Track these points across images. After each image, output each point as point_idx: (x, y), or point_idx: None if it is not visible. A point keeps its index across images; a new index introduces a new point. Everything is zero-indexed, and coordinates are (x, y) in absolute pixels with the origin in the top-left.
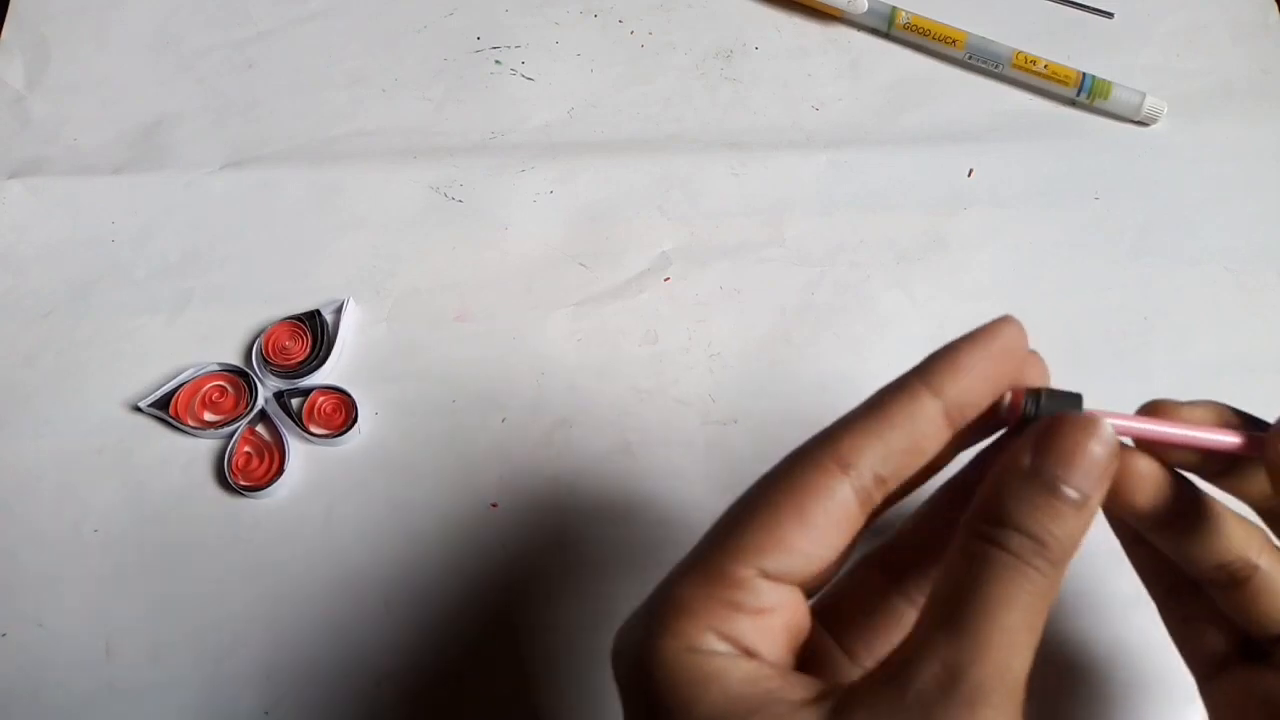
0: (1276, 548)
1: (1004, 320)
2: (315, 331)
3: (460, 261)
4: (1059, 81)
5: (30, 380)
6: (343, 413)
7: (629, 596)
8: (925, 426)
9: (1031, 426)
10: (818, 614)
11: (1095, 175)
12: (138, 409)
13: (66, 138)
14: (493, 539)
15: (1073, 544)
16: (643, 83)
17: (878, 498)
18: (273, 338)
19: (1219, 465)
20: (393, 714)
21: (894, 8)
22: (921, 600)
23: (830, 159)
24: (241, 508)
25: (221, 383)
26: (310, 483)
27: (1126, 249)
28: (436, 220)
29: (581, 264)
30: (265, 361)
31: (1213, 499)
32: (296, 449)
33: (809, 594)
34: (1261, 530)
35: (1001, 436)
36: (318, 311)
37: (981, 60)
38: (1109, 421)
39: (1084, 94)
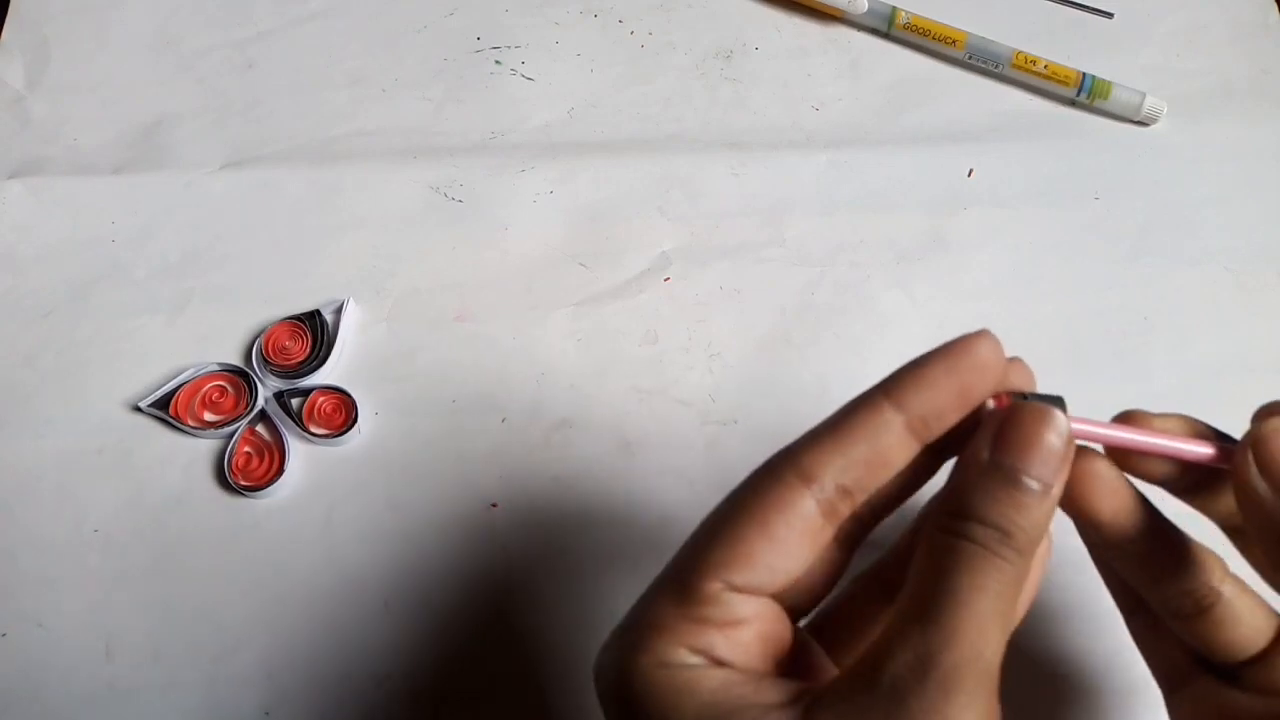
0: (1236, 576)
1: (977, 335)
2: (315, 331)
3: (460, 261)
4: (1059, 81)
5: (30, 380)
6: (343, 413)
7: (629, 596)
8: (887, 439)
9: (987, 421)
10: (814, 630)
11: (1095, 175)
12: (138, 409)
13: (66, 138)
14: (493, 539)
15: (1037, 532)
16: (643, 83)
17: (844, 509)
18: (273, 338)
19: (1188, 481)
20: (393, 714)
21: (894, 8)
22: None
23: (830, 159)
24: (241, 508)
25: (221, 383)
26: (310, 483)
27: (1126, 249)
28: (436, 220)
29: (581, 264)
30: (265, 361)
31: (1177, 527)
32: (296, 449)
33: (795, 608)
34: (1222, 560)
35: None
36: (318, 311)
37: (981, 60)
38: (1058, 412)
39: (1084, 94)
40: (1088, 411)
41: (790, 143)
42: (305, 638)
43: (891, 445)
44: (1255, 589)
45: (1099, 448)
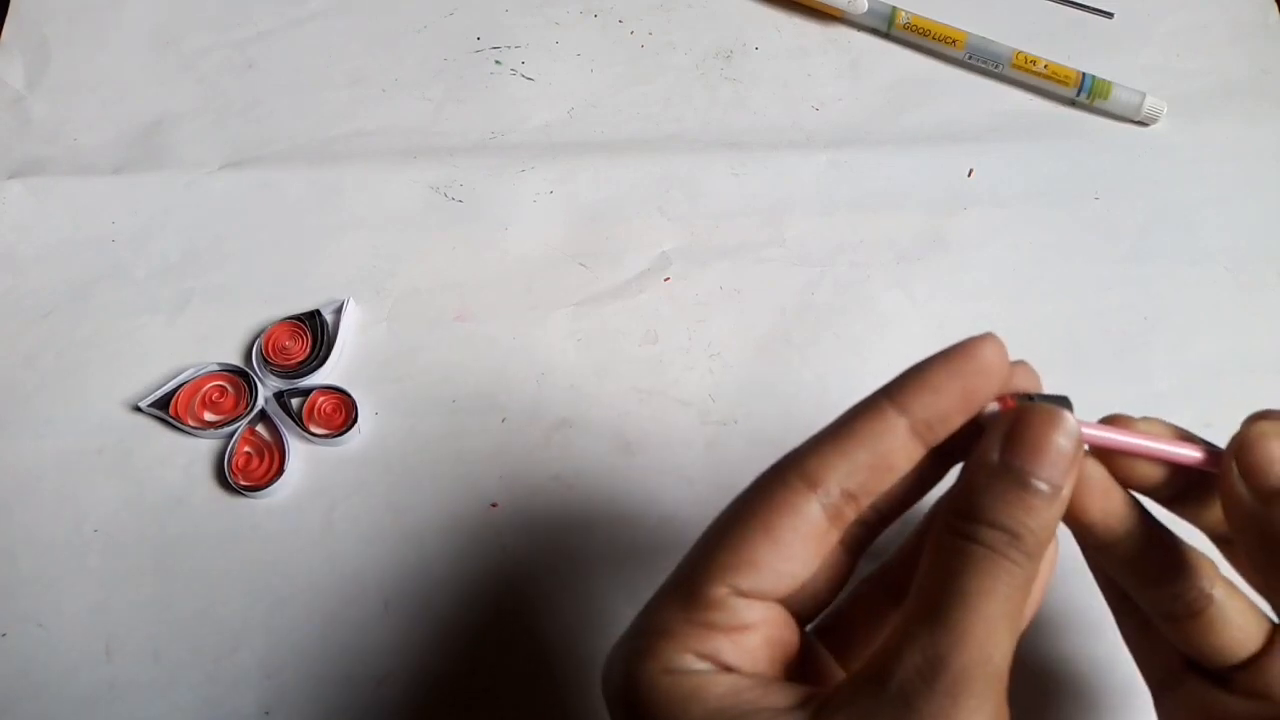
0: (1227, 580)
1: (982, 338)
2: (315, 331)
3: (460, 261)
4: (1059, 81)
5: (30, 380)
6: (343, 413)
7: (629, 596)
8: (891, 443)
9: (998, 423)
10: (820, 634)
11: (1095, 175)
12: (138, 409)
13: (66, 138)
14: (493, 539)
15: (1046, 534)
16: (643, 83)
17: (849, 514)
18: (273, 338)
19: (1174, 489)
20: (393, 714)
21: (894, 8)
22: None
23: (830, 159)
24: (241, 508)
25: (221, 383)
26: (310, 483)
27: (1126, 249)
28: (436, 220)
29: (581, 264)
30: (265, 361)
31: (1169, 530)
32: (296, 449)
33: (802, 613)
34: (1213, 563)
35: None
36: (318, 311)
37: (981, 60)
38: (1068, 414)
39: (1084, 94)
40: (1088, 412)
41: (790, 143)
42: (305, 638)
43: (895, 449)
44: (1246, 594)
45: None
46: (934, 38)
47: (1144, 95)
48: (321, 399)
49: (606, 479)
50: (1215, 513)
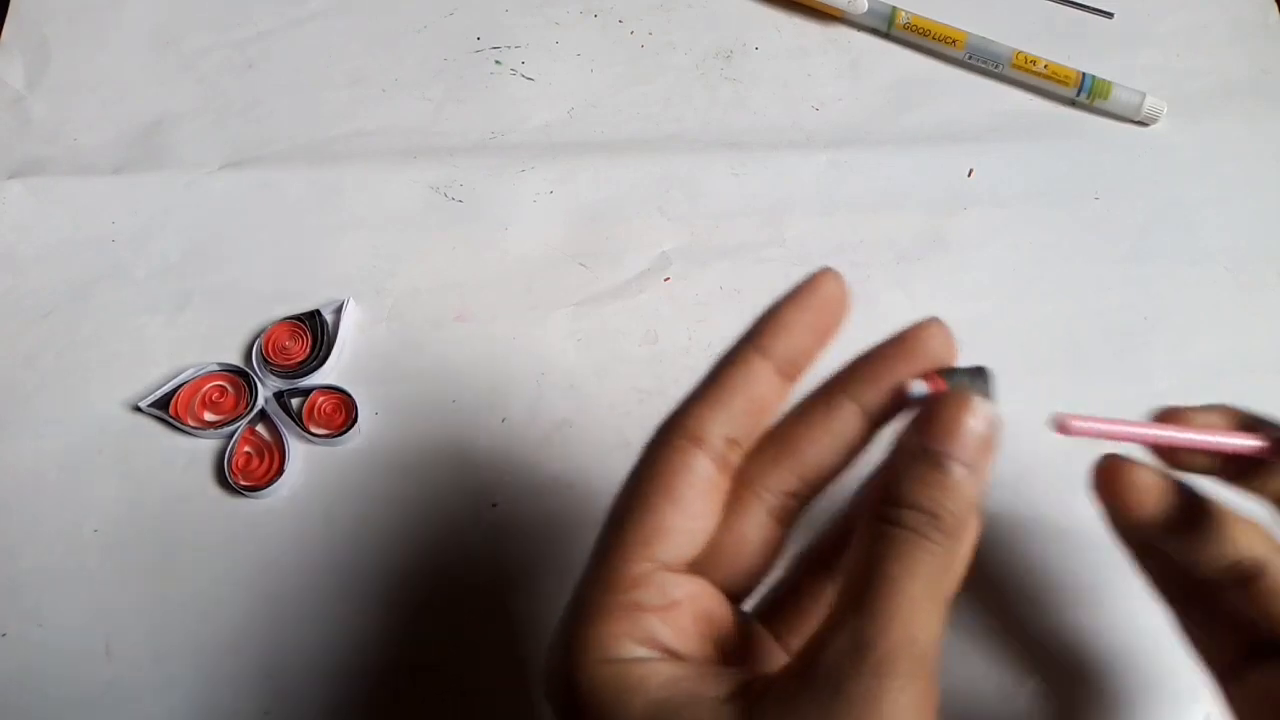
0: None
1: (821, 274)
2: (315, 331)
3: (460, 261)
4: (1059, 81)
5: (30, 380)
6: (343, 413)
7: None
8: (760, 387)
9: (917, 409)
10: (764, 617)
11: (1095, 175)
12: (138, 409)
13: (66, 138)
14: (493, 539)
15: (965, 514)
16: (643, 83)
17: (734, 459)
18: (273, 338)
19: (1236, 468)
20: (393, 713)
21: (894, 8)
22: None
23: (830, 159)
24: (241, 508)
25: (221, 383)
26: (310, 483)
27: (1127, 249)
28: (436, 220)
29: (581, 264)
30: (265, 361)
31: (1216, 502)
32: (296, 449)
33: (734, 590)
34: (1266, 530)
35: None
36: (318, 311)
37: (981, 60)
38: (980, 399)
39: (1084, 94)
40: (1088, 410)
41: (790, 143)
42: (305, 637)
43: (765, 390)
44: None
45: (1138, 448)
46: (934, 38)
47: (1144, 95)
48: (321, 399)
49: (606, 479)
50: (1277, 483)
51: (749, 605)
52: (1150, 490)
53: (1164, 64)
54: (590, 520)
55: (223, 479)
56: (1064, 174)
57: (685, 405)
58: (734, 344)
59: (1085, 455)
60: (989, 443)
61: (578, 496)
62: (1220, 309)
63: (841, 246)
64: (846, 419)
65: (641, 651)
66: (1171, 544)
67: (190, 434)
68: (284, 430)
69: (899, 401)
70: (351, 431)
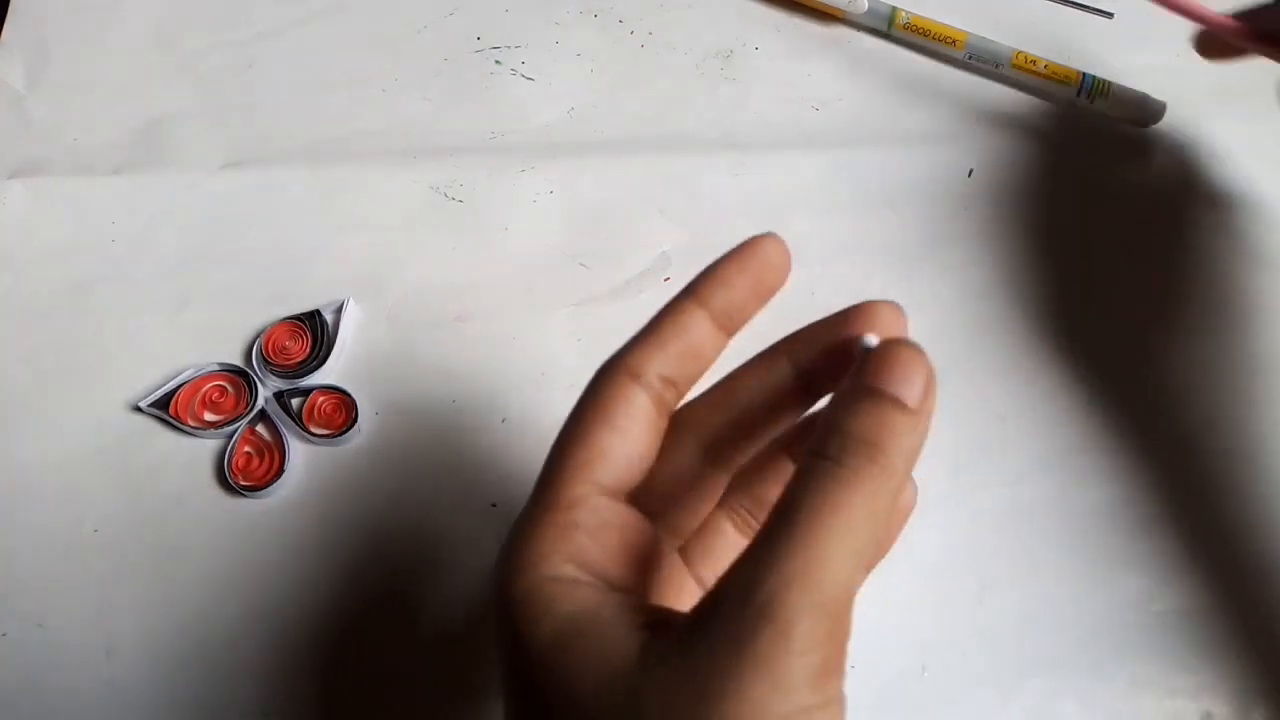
0: None
1: (764, 236)
2: (315, 331)
3: (460, 261)
4: (1059, 81)
5: (30, 380)
6: (343, 413)
7: None
8: (697, 334)
9: (863, 355)
10: (687, 559)
11: (1095, 175)
12: (138, 409)
13: (66, 138)
14: (493, 539)
15: (902, 451)
16: (643, 83)
17: (671, 399)
18: (273, 338)
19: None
20: (395, 714)
21: (894, 8)
22: None
23: (830, 159)
24: (241, 508)
25: (221, 383)
26: (310, 483)
27: (1127, 249)
28: (436, 220)
29: (581, 264)
30: (265, 361)
31: None
32: (296, 449)
33: (671, 527)
34: None
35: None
36: (318, 311)
37: (981, 60)
38: (924, 352)
39: (1084, 94)
40: (1090, 411)
41: (790, 143)
42: (305, 638)
43: (701, 338)
44: None
45: None
46: (934, 38)
47: (1144, 95)
48: (321, 399)
49: None
50: None
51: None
52: None
53: (1164, 64)
54: None
55: (223, 479)
56: (1064, 174)
57: (626, 346)
58: (676, 295)
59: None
60: (930, 389)
61: None
62: (1220, 309)
63: (841, 246)
64: (779, 370)
65: (568, 569)
66: None
67: (190, 434)
68: (284, 430)
69: (843, 358)
70: (351, 431)
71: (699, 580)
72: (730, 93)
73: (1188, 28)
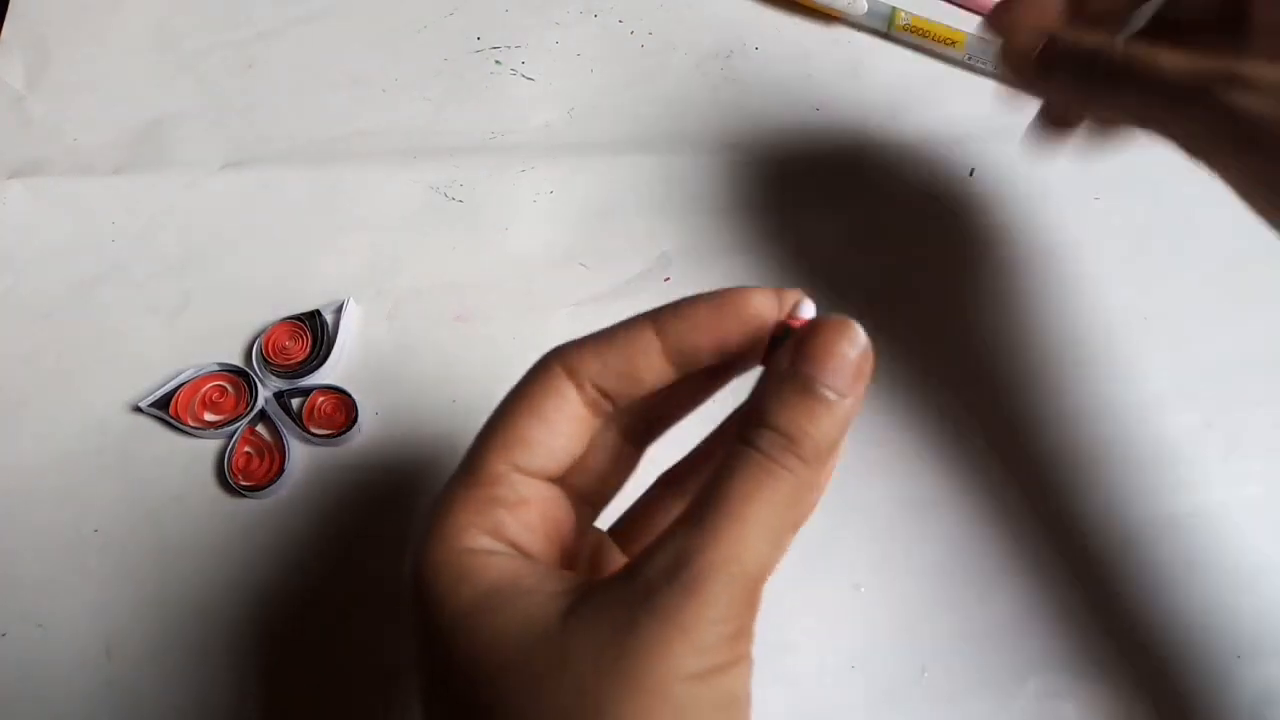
0: None
1: (754, 290)
2: (315, 331)
3: (460, 261)
4: None
5: (30, 380)
6: (343, 413)
7: None
8: (643, 360)
9: (796, 332)
10: (615, 532)
11: (1095, 175)
12: (138, 409)
13: (66, 138)
14: None
15: (826, 442)
16: (643, 83)
17: (605, 406)
18: (273, 338)
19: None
20: (395, 714)
21: (894, 9)
22: None
23: (829, 159)
24: (241, 508)
25: (221, 383)
26: (310, 483)
27: (1127, 249)
28: (436, 220)
29: (581, 264)
30: (265, 361)
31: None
32: (296, 449)
33: (588, 500)
34: None
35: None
36: (318, 311)
37: (981, 62)
38: (857, 325)
39: None
40: (1091, 414)
41: (790, 143)
42: (306, 638)
43: (646, 365)
44: None
45: None
46: (934, 38)
47: None
48: (321, 399)
49: None
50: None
51: (605, 522)
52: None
53: None
54: None
55: (223, 479)
56: (1064, 174)
57: (576, 341)
58: (642, 313)
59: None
60: (862, 373)
61: None
62: (1220, 309)
63: (841, 246)
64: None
65: (486, 541)
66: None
67: (190, 434)
68: (284, 430)
69: (774, 329)
70: (351, 431)
71: (630, 556)
72: (730, 93)
73: None
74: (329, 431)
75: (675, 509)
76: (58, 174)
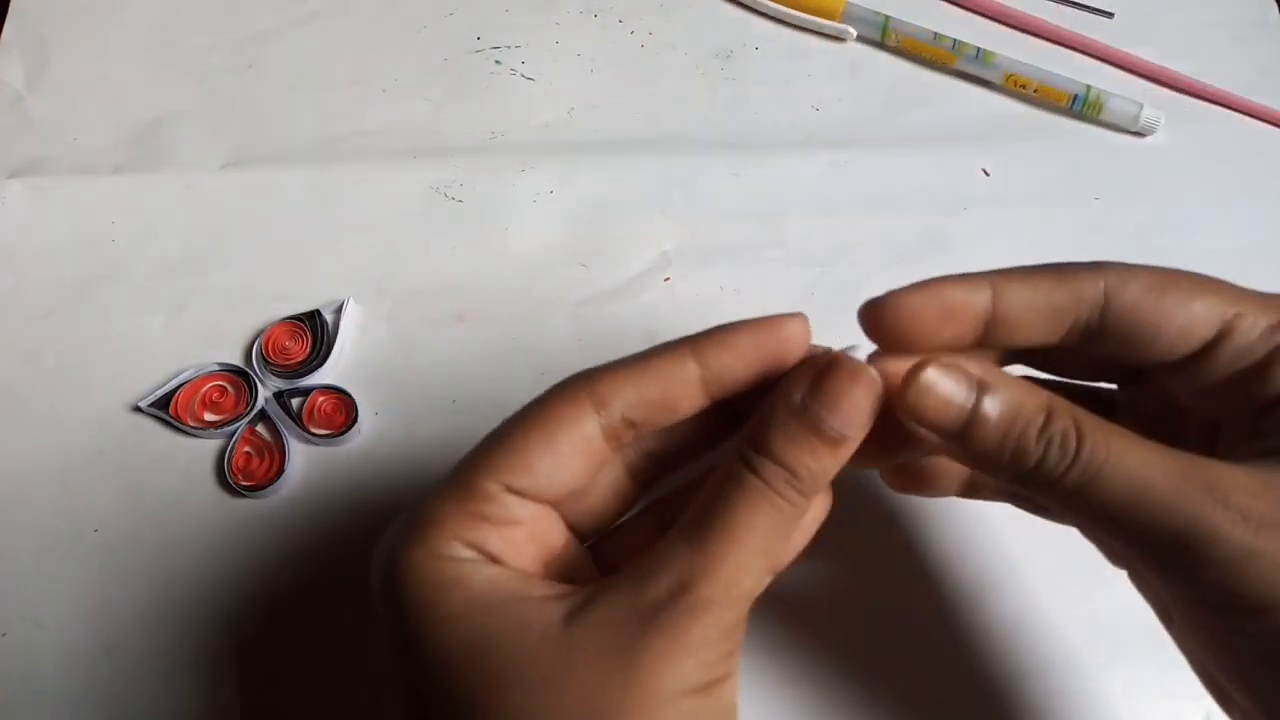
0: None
1: (791, 316)
2: (315, 331)
3: (460, 261)
4: (1052, 99)
5: (30, 380)
6: (343, 413)
7: None
8: (680, 387)
9: (809, 362)
10: (595, 550)
11: (1095, 175)
12: (138, 409)
13: (66, 138)
14: None
15: (823, 479)
16: (643, 83)
17: (627, 439)
18: (273, 338)
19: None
20: (397, 714)
21: (885, 28)
22: None
23: (830, 159)
24: (241, 508)
25: (221, 383)
26: (310, 483)
27: (1127, 250)
28: (436, 220)
29: (581, 264)
30: (265, 361)
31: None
32: (296, 449)
33: (580, 528)
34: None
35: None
36: (318, 311)
37: (974, 79)
38: (875, 372)
39: (1078, 106)
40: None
41: (790, 143)
42: (306, 638)
43: (683, 393)
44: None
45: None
46: (927, 56)
47: (1140, 106)
48: (321, 399)
49: None
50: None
51: None
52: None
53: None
54: None
55: (223, 479)
56: (1064, 174)
57: (604, 368)
58: (677, 340)
59: None
60: (870, 418)
61: None
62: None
63: (841, 246)
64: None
65: (469, 553)
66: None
67: (190, 434)
68: (284, 430)
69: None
70: (351, 431)
71: (607, 559)
72: (730, 93)
73: (1188, 28)
74: (329, 431)
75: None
76: (58, 174)
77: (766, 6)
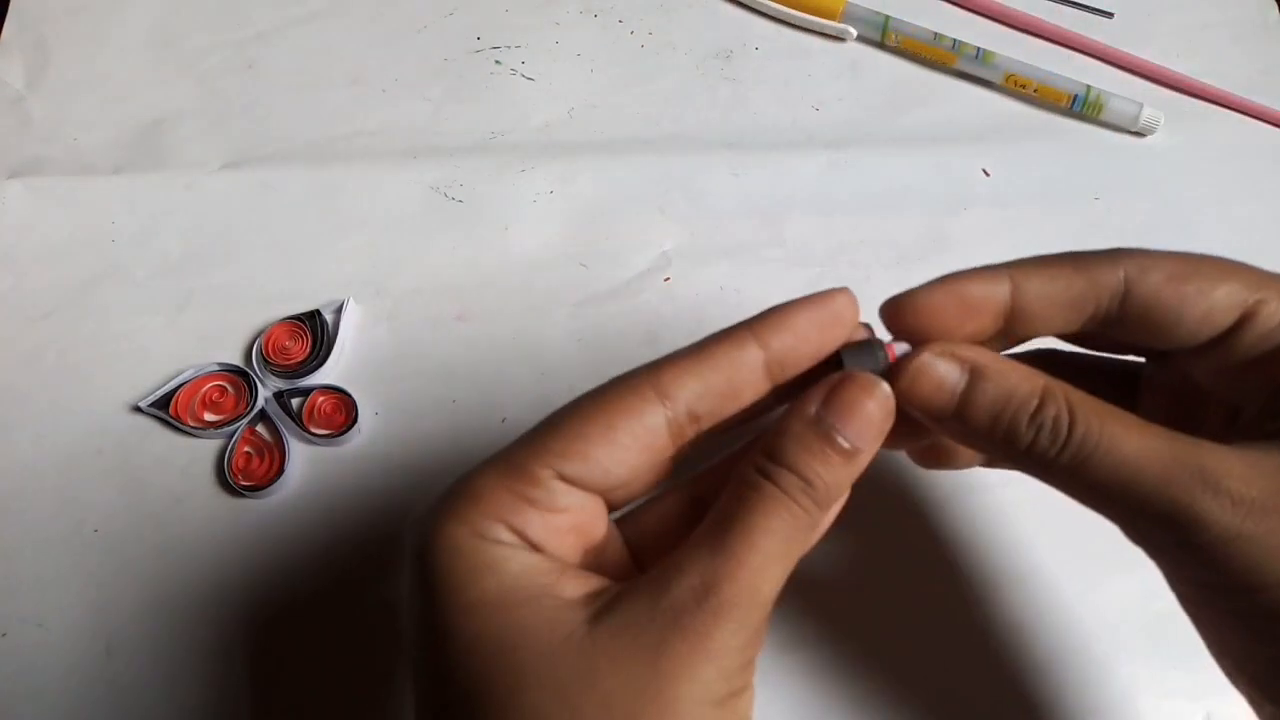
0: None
1: (838, 290)
2: (315, 331)
3: (460, 261)
4: (1051, 99)
5: (30, 380)
6: (343, 413)
7: None
8: (745, 374)
9: (825, 378)
10: (622, 523)
11: (1095, 175)
12: (138, 409)
13: (66, 138)
14: None
15: (838, 490)
16: (643, 83)
17: (689, 432)
18: (273, 338)
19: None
20: (397, 714)
21: (884, 29)
22: None
23: (830, 159)
24: (241, 508)
25: (221, 383)
26: (310, 483)
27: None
28: (436, 220)
29: (581, 264)
30: (265, 361)
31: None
32: (296, 449)
33: (614, 505)
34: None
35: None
36: (318, 311)
37: (974, 79)
38: (887, 386)
39: (1078, 106)
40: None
41: (790, 143)
42: (306, 638)
43: (747, 380)
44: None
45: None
46: (926, 56)
47: (1140, 106)
48: (321, 399)
49: None
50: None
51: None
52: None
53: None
54: None
55: (223, 479)
56: (1064, 174)
57: (668, 359)
58: (734, 326)
59: None
60: (884, 429)
61: None
62: None
63: (841, 246)
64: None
65: (509, 536)
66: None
67: (190, 434)
68: (284, 430)
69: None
70: (351, 431)
71: (632, 540)
72: (730, 93)
73: (1187, 28)
74: (329, 431)
75: (687, 514)
76: (58, 174)
77: (766, 6)
